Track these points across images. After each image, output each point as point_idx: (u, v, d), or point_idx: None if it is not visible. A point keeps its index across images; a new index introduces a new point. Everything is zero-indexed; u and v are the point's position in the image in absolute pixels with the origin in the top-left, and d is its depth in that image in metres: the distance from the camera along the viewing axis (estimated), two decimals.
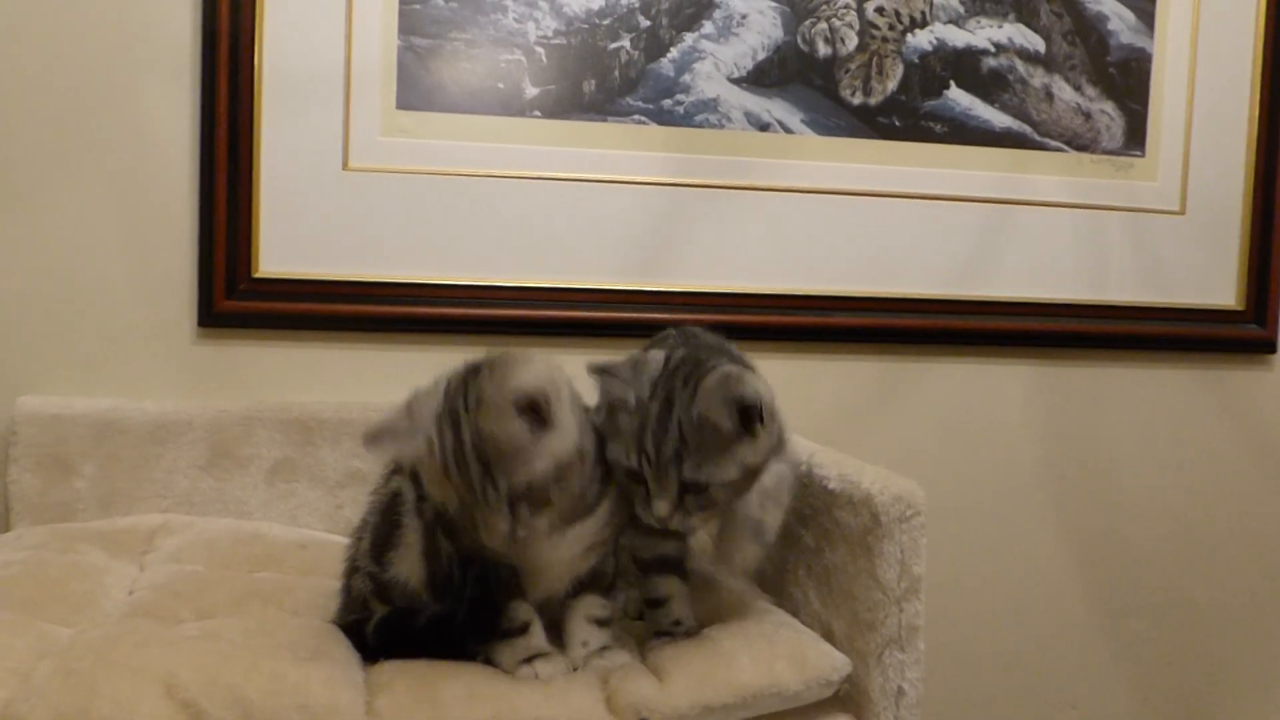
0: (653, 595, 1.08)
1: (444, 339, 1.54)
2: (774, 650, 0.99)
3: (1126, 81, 1.70)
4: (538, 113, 1.55)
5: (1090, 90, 1.69)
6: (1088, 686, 1.77)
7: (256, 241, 1.49)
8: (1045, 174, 1.69)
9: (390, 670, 0.97)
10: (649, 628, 1.08)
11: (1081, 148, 1.70)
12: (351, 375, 1.53)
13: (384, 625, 1.02)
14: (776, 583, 1.21)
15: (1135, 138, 1.72)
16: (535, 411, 0.92)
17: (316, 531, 1.46)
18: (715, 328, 1.51)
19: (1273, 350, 1.77)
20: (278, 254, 1.50)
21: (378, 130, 1.51)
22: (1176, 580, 1.78)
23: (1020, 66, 1.67)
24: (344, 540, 1.40)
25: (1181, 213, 1.73)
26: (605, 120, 1.56)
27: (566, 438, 0.95)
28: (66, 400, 1.43)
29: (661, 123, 1.58)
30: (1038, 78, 1.68)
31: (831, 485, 1.07)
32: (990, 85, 1.66)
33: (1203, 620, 1.80)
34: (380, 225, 1.52)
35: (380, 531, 1.06)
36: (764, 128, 1.60)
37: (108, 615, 1.10)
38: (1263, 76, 1.72)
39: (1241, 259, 1.75)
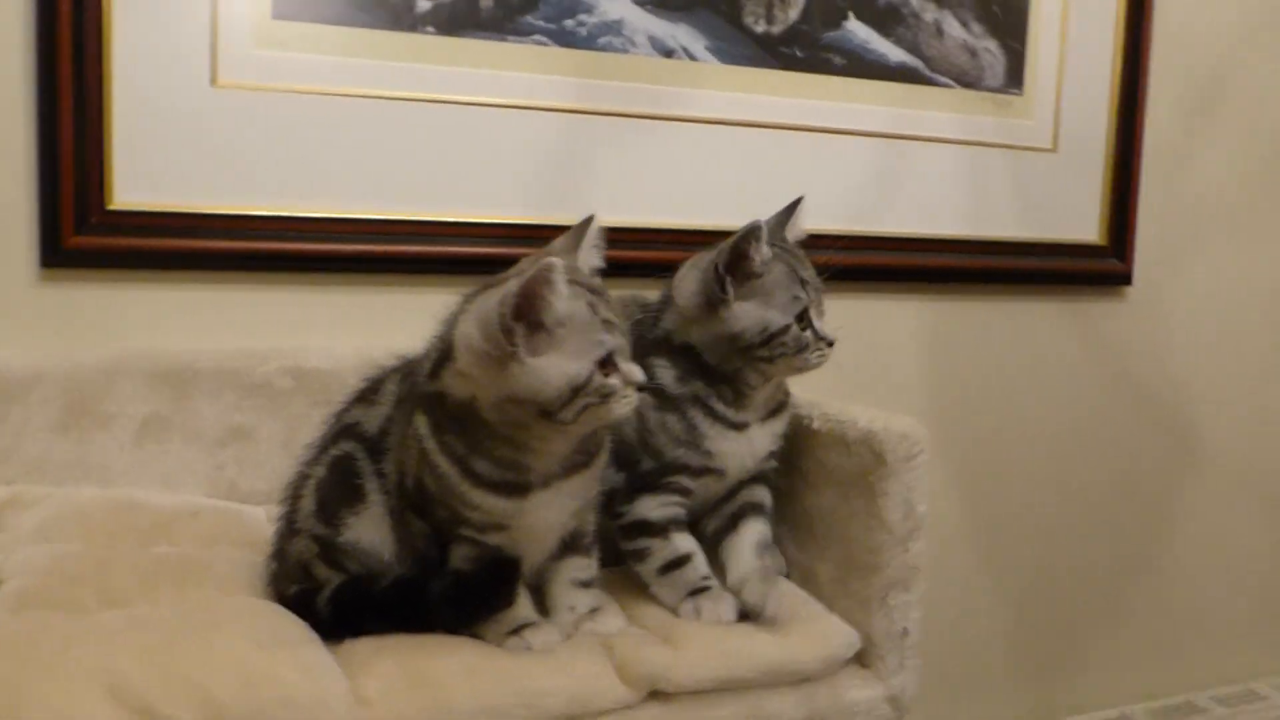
0: (675, 555, 1.03)
1: (331, 278, 1.40)
2: (789, 625, 0.95)
3: (1008, 20, 1.73)
4: (431, 29, 1.41)
5: (976, 27, 1.71)
6: (967, 604, 1.84)
7: (110, 168, 1.29)
8: (936, 110, 1.69)
9: (363, 649, 0.87)
10: (679, 589, 1.01)
11: (968, 84, 1.72)
12: (229, 319, 1.36)
13: (341, 595, 0.91)
14: None
15: (1015, 76, 1.75)
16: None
17: (198, 497, 1.30)
18: (622, 266, 1.46)
19: (1129, 282, 1.86)
20: (136, 182, 1.30)
21: (251, 42, 1.34)
22: (1044, 500, 1.87)
23: (914, 1, 1.66)
24: (236, 506, 1.28)
25: (1054, 150, 1.79)
26: (504, 39, 1.44)
27: None
28: None
29: (563, 44, 1.47)
30: (929, 13, 1.67)
31: (815, 426, 1.03)
32: (886, 18, 1.64)
33: (1067, 536, 1.89)
34: (256, 151, 1.35)
35: (332, 491, 0.94)
36: (668, 54, 1.53)
37: None
38: (1126, 18, 1.79)
39: (1104, 196, 1.83)
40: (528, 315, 0.82)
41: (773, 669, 0.92)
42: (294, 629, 0.88)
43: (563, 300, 0.82)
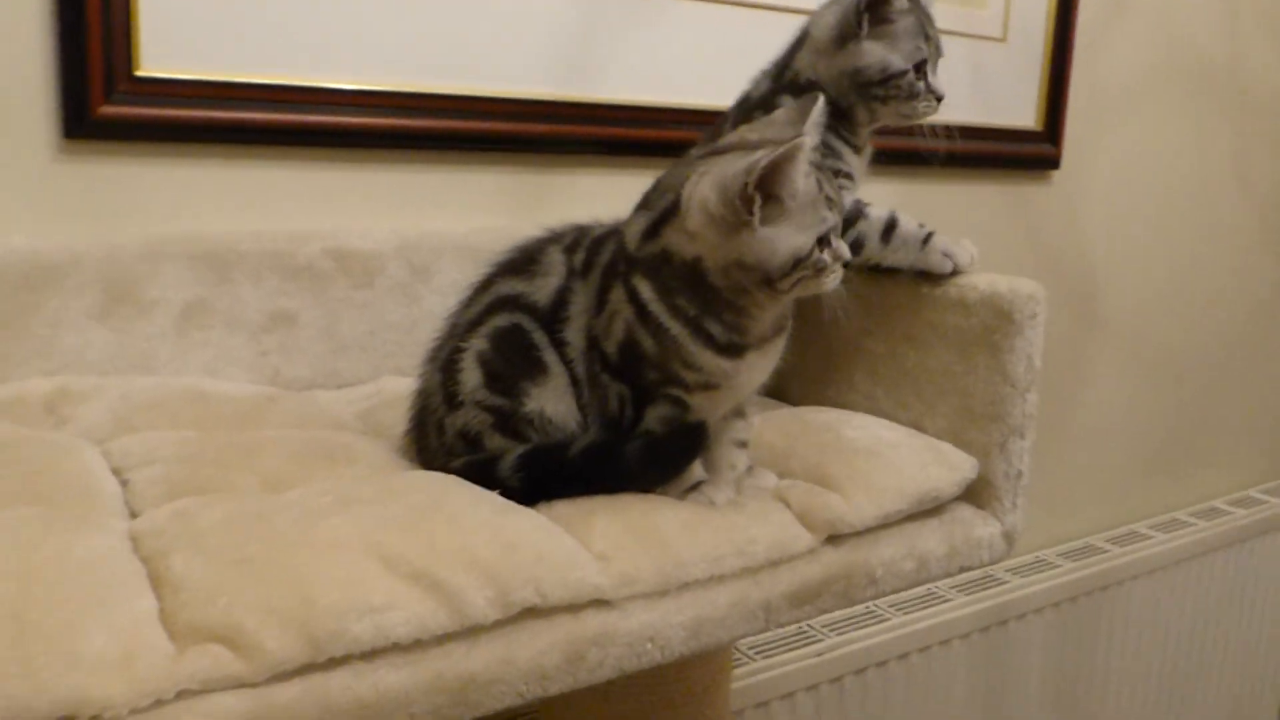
0: None
1: (362, 154, 1.34)
2: (919, 455, 1.03)
3: None
4: None
5: None
6: None
7: (136, 28, 1.18)
8: None
9: (565, 511, 0.88)
10: None
11: None
12: (268, 197, 1.29)
13: (532, 461, 0.91)
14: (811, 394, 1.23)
15: None
16: None
17: (250, 384, 1.24)
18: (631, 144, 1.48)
19: (1057, 166, 2.02)
20: (165, 47, 1.20)
21: None
22: None
23: None
24: (298, 393, 1.24)
25: (1003, 40, 1.90)
26: None
27: None
28: None
29: None
30: None
31: (924, 290, 1.10)
32: None
33: None
34: (287, 13, 1.26)
35: (506, 363, 0.94)
36: None
37: (129, 502, 0.88)
38: None
39: (1042, 85, 1.96)
40: (768, 187, 0.84)
41: (921, 497, 1.00)
42: (496, 497, 0.88)
43: (802, 177, 0.85)
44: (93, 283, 1.17)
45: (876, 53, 1.15)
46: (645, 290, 0.89)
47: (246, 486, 0.90)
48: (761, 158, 0.82)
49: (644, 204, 0.94)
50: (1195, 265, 2.33)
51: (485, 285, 1.00)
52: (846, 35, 1.16)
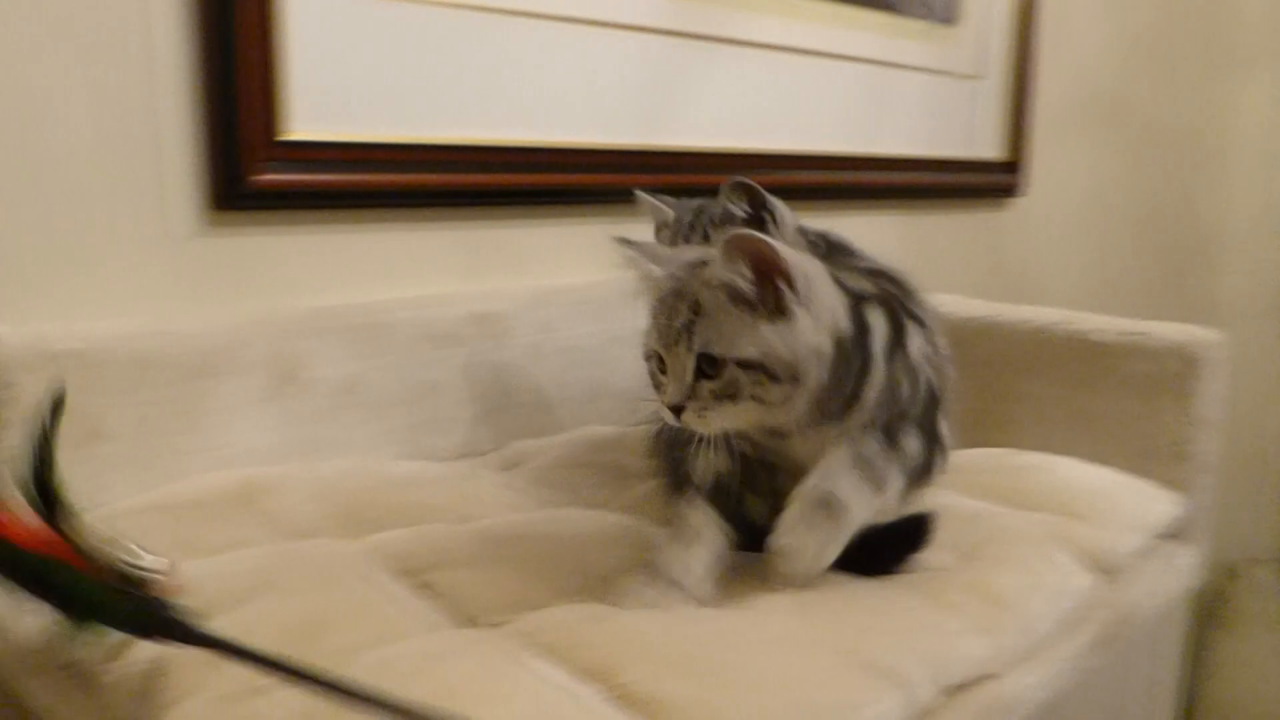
0: None
1: (507, 210, 1.29)
2: (1137, 492, 1.10)
3: None
4: None
5: None
6: None
7: (285, 90, 1.09)
8: (906, 39, 1.85)
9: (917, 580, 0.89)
10: None
11: (924, 18, 1.89)
12: (414, 262, 1.22)
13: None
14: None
15: (956, 11, 1.95)
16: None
17: (410, 462, 1.17)
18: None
19: (1014, 194, 2.17)
20: (310, 110, 1.11)
21: None
22: None
23: None
24: (473, 464, 1.19)
25: (978, 77, 2.03)
26: None
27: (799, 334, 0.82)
28: (71, 328, 0.95)
29: None
30: None
31: (1108, 339, 1.17)
32: None
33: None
34: (414, 72, 1.19)
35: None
36: None
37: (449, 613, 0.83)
38: None
39: (1008, 119, 2.11)
40: None
41: (1154, 530, 1.07)
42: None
43: None
44: (260, 365, 1.07)
45: None
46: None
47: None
48: None
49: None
50: (1119, 277, 2.56)
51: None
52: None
